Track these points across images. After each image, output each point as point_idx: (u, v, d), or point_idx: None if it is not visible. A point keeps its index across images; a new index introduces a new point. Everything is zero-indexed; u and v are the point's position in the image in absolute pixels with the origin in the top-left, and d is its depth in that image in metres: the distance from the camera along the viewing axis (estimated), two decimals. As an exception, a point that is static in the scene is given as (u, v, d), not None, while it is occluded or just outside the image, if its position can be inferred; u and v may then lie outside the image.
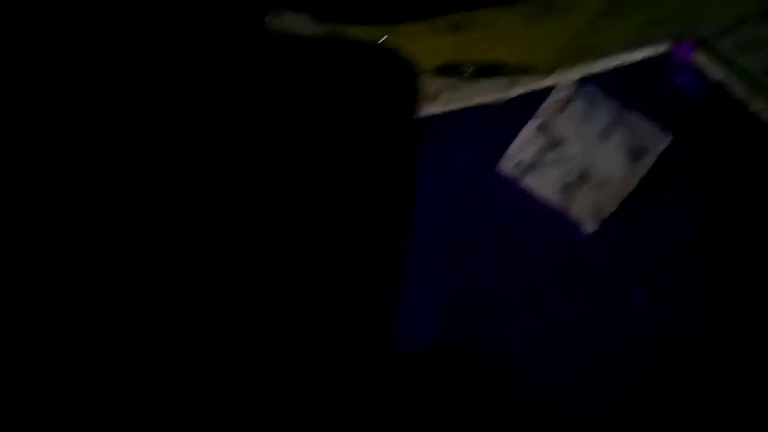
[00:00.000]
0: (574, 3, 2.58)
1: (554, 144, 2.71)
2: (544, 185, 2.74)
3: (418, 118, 2.38)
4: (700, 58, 2.04)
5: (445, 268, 2.78)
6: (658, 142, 2.66)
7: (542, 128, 2.71)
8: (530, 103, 2.66)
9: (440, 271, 2.77)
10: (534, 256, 2.79)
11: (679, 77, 2.08)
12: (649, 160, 2.67)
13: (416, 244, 2.79)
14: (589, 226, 2.72)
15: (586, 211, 2.73)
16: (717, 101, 2.10)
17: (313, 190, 2.42)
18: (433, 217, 2.79)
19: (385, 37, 2.58)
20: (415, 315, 2.78)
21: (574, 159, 2.72)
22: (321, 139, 2.38)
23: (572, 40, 2.48)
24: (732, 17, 2.05)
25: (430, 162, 2.75)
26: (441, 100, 2.38)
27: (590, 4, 2.53)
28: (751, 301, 2.59)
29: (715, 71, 2.05)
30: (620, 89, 2.59)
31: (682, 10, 2.27)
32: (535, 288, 2.79)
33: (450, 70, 2.47)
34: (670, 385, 2.69)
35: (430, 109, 2.37)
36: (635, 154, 2.67)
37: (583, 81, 2.59)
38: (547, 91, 2.64)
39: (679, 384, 2.68)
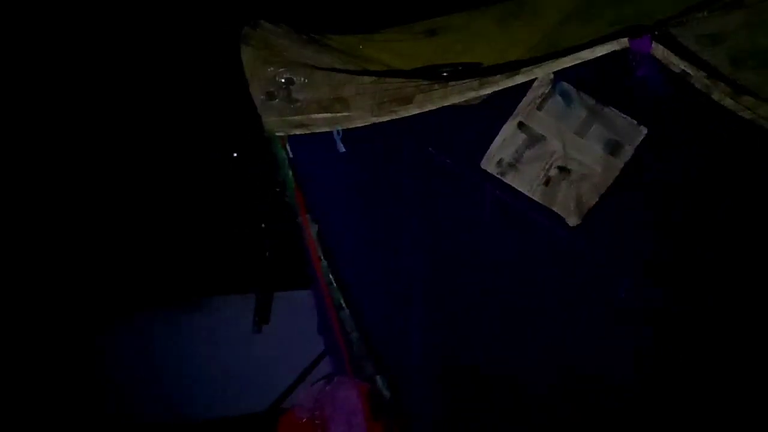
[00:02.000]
0: (544, 6, 2.63)
1: (534, 141, 2.76)
2: (526, 182, 2.78)
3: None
4: (661, 51, 2.09)
5: (432, 268, 2.83)
6: (635, 134, 2.70)
7: (521, 126, 2.76)
8: (507, 102, 2.71)
9: (427, 272, 2.82)
10: (519, 253, 2.84)
11: (641, 70, 2.12)
12: (627, 153, 2.71)
13: (403, 245, 2.86)
14: (572, 220, 2.76)
15: (569, 206, 2.77)
16: (681, 91, 2.14)
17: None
18: (418, 220, 2.85)
19: (361, 46, 2.65)
20: (403, 321, 2.84)
21: (555, 155, 2.76)
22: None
23: (543, 40, 2.53)
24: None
25: (413, 166, 2.82)
26: (415, 103, 2.44)
27: (559, 7, 2.58)
28: (736, 288, 2.61)
29: (676, 63, 2.09)
30: (593, 85, 2.64)
31: (644, 10, 2.32)
32: (522, 283, 2.83)
33: (425, 73, 2.53)
34: (660, 375, 2.72)
35: (406, 111, 2.43)
36: (613, 148, 2.71)
37: (558, 78, 2.64)
38: (523, 90, 2.69)
39: (670, 373, 2.71)
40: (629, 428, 2.72)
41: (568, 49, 2.25)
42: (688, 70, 2.13)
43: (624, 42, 2.14)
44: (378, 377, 2.76)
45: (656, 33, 2.11)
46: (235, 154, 3.69)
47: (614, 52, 2.18)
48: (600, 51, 2.18)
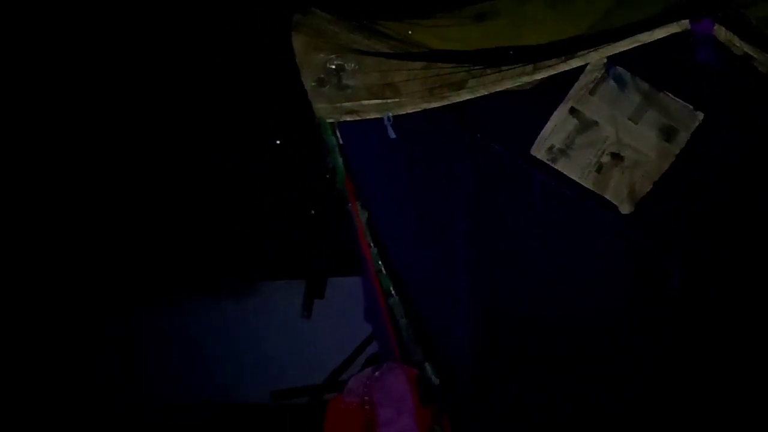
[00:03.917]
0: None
1: (586, 127, 2.71)
2: (577, 169, 2.73)
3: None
4: (723, 34, 2.03)
5: (481, 255, 2.81)
6: (690, 120, 2.63)
7: (573, 111, 2.71)
8: (559, 88, 2.66)
9: (475, 260, 2.80)
10: (570, 240, 2.80)
11: (701, 53, 2.07)
12: (682, 138, 2.64)
13: (452, 232, 2.84)
14: (625, 208, 2.71)
15: (622, 193, 2.71)
16: (742, 75, 2.08)
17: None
18: (468, 207, 2.82)
19: (410, 31, 2.64)
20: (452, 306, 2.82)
21: (607, 141, 2.70)
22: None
23: (596, 24, 2.49)
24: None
25: (463, 152, 2.79)
26: (468, 88, 2.42)
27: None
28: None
29: (739, 46, 2.04)
30: (648, 69, 2.57)
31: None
32: (573, 272, 2.79)
33: (477, 58, 2.50)
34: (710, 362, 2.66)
35: (458, 97, 2.41)
36: (668, 134, 2.65)
37: (612, 63, 2.59)
38: (575, 75, 2.64)
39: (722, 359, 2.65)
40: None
41: (625, 32, 2.20)
42: (752, 53, 2.07)
43: (685, 24, 2.09)
44: (426, 364, 2.76)
45: (718, 14, 2.05)
46: (278, 141, 3.72)
47: (673, 34, 2.13)
48: (659, 33, 2.13)
